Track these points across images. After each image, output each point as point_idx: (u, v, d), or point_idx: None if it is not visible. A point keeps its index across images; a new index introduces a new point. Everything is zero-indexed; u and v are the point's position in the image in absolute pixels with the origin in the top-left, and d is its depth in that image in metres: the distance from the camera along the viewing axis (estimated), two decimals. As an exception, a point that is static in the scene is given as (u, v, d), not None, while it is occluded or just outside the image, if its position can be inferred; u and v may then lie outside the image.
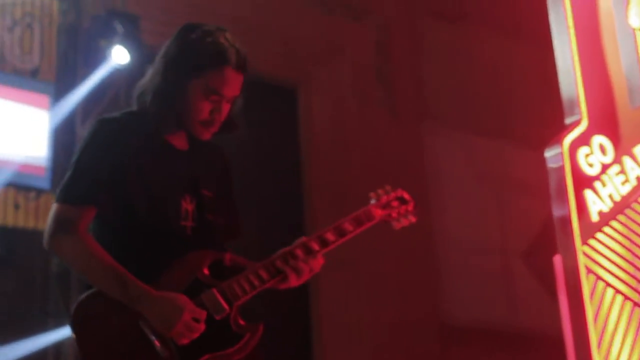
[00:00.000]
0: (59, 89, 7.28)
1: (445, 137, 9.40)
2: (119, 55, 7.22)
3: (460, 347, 8.64)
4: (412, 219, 3.78)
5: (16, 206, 6.84)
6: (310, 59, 9.01)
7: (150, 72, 3.43)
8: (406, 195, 3.79)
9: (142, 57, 6.97)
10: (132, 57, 7.17)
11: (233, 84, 3.35)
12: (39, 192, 6.99)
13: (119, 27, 7.26)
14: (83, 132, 6.74)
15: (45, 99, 7.22)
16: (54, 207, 3.25)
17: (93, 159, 3.28)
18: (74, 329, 3.09)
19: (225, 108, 3.38)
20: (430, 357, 8.45)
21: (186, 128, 3.39)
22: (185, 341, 3.07)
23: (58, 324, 6.52)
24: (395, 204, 3.74)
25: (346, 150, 8.87)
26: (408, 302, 8.41)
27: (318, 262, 3.41)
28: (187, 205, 3.36)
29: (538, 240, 8.72)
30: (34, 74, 7.31)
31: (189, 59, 3.32)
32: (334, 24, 9.01)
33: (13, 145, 6.95)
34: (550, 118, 6.05)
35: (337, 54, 9.11)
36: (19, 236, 6.68)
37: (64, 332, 6.30)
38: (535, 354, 7.69)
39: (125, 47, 7.22)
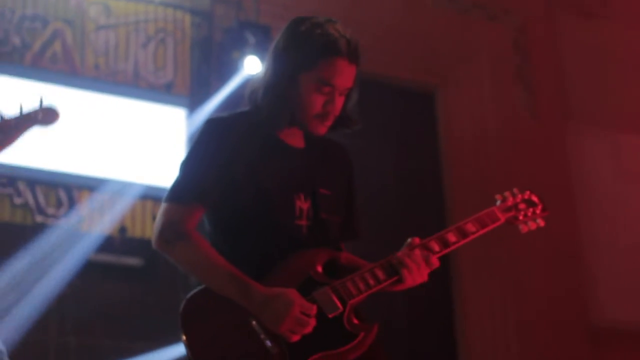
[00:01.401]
0: (194, 102, 7.36)
1: (590, 136, 9.15)
2: (252, 66, 7.24)
3: (611, 349, 8.38)
4: (541, 222, 3.64)
5: (154, 218, 6.88)
6: (448, 62, 8.90)
7: (262, 69, 3.40)
8: (534, 198, 3.64)
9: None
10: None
11: (345, 75, 3.25)
12: (176, 203, 7.04)
13: (251, 38, 7.31)
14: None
15: (180, 112, 7.32)
16: (162, 206, 3.25)
17: (201, 159, 3.25)
18: (181, 325, 3.06)
19: (339, 101, 3.28)
20: (580, 359, 8.23)
21: (301, 124, 3.30)
22: (295, 338, 2.99)
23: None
24: (522, 206, 3.59)
25: (487, 153, 8.73)
26: (556, 303, 8.22)
27: (433, 264, 3.28)
28: (302, 204, 3.29)
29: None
30: (169, 88, 7.41)
31: (298, 52, 3.24)
32: (470, 25, 8.90)
33: (150, 158, 7.05)
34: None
35: (475, 55, 8.98)
36: (159, 248, 6.73)
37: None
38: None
39: (258, 57, 7.24)
